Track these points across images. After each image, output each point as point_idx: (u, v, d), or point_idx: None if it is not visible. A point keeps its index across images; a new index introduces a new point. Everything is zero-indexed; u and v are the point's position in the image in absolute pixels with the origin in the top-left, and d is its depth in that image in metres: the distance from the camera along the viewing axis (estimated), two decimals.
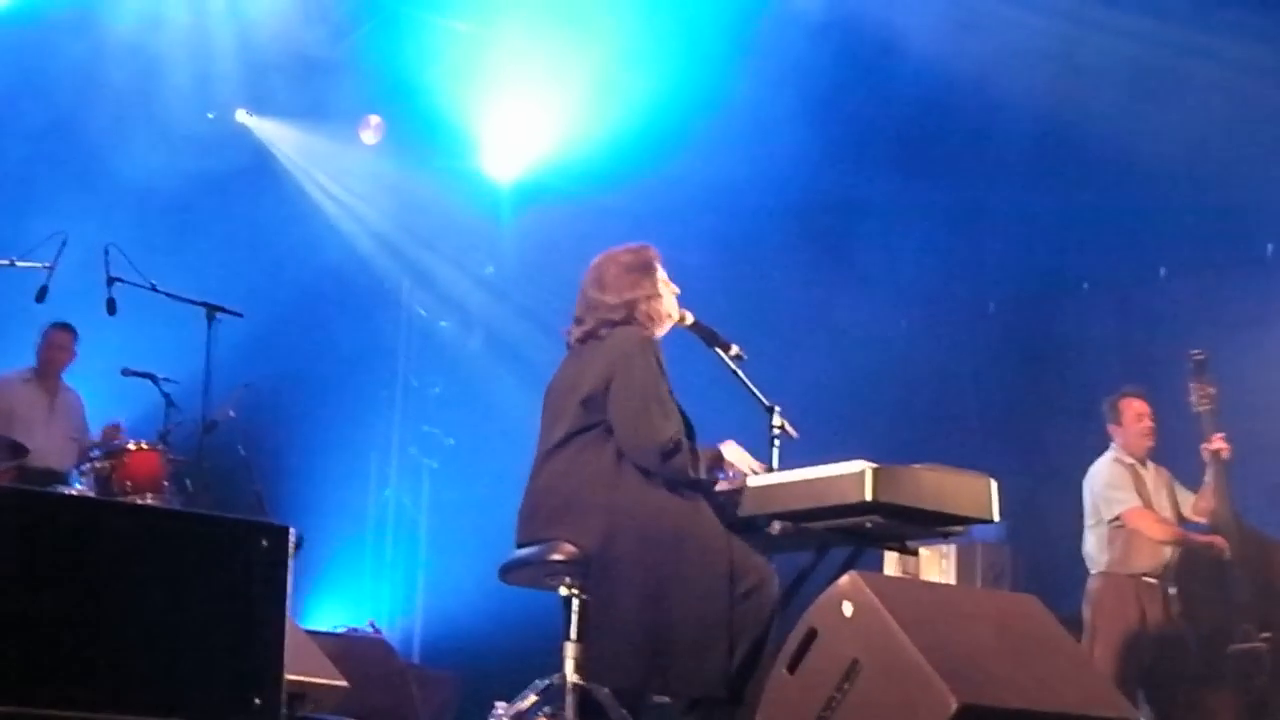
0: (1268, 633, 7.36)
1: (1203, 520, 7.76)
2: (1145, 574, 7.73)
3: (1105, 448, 8.04)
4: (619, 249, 5.34)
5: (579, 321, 5.27)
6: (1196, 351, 7.77)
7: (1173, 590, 7.68)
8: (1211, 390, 7.69)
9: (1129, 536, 7.75)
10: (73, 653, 3.14)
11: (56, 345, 8.90)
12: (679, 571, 4.80)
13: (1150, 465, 7.97)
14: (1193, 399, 7.72)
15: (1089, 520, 7.93)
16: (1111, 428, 8.03)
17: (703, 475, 5.06)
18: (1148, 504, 7.79)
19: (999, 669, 4.14)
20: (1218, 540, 7.58)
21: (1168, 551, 7.73)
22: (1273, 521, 7.90)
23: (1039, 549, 9.62)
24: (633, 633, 4.78)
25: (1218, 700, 7.48)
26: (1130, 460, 7.91)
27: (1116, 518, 7.76)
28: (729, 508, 5.09)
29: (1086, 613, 7.82)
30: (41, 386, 8.92)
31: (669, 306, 5.31)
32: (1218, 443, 7.64)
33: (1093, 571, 7.88)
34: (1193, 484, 7.90)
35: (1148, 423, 7.94)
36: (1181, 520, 7.84)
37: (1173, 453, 8.09)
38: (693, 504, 4.98)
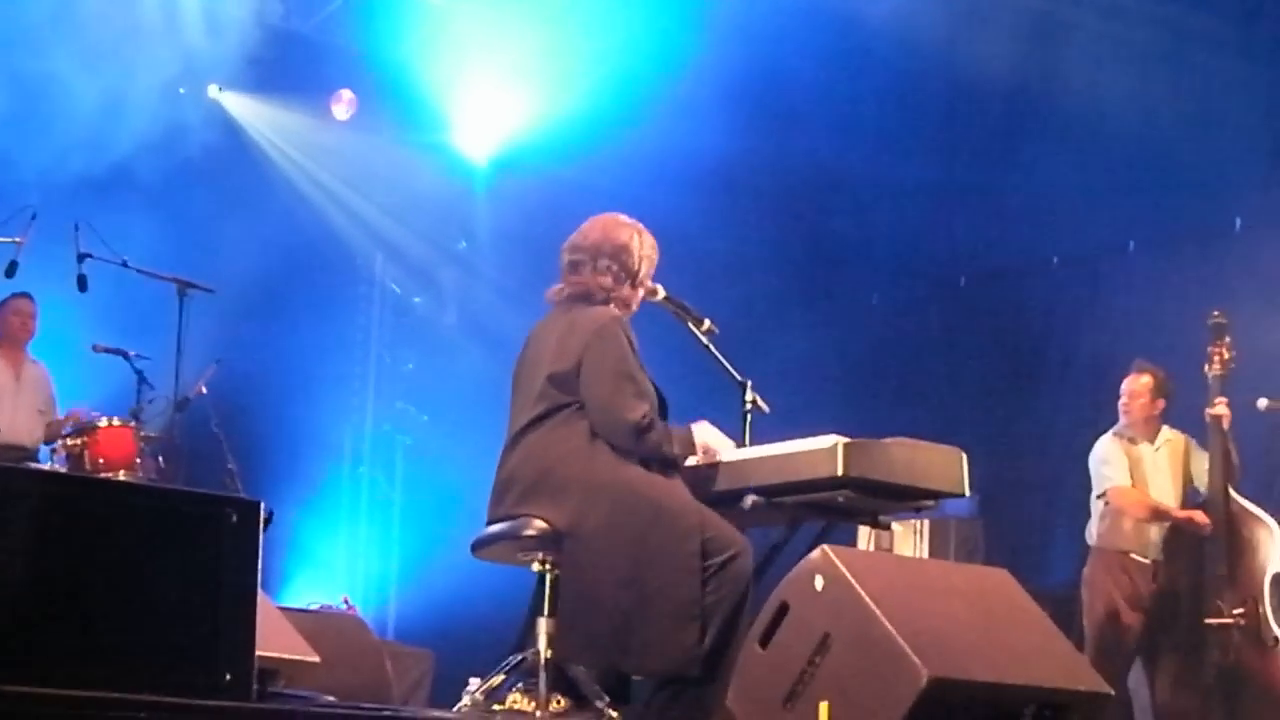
0: (1241, 609, 7.31)
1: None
2: (1132, 550, 7.72)
3: (1075, 421, 8.03)
4: (620, 216, 5.28)
5: (574, 268, 5.20)
6: (1216, 313, 7.59)
7: (1157, 560, 7.67)
8: (1226, 354, 7.52)
9: (1115, 513, 7.74)
10: (40, 628, 3.13)
11: (26, 313, 8.63)
12: (651, 548, 4.78)
13: (1161, 439, 7.84)
14: (1207, 363, 7.56)
15: (1093, 495, 7.90)
16: (1120, 403, 7.95)
17: (677, 452, 5.04)
18: (1141, 482, 7.72)
19: (970, 642, 4.17)
20: (1197, 516, 7.50)
21: (1155, 529, 7.69)
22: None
23: (1011, 523, 9.68)
24: (605, 611, 4.76)
25: (1192, 675, 7.51)
26: (1130, 435, 7.84)
27: (1103, 494, 7.76)
28: (701, 484, 5.09)
29: (1083, 587, 7.83)
30: (5, 359, 8.63)
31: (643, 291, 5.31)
32: (1220, 407, 7.49)
33: (1089, 545, 7.89)
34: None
35: (1142, 399, 7.83)
36: (1188, 493, 7.75)
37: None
38: (666, 480, 4.97)
